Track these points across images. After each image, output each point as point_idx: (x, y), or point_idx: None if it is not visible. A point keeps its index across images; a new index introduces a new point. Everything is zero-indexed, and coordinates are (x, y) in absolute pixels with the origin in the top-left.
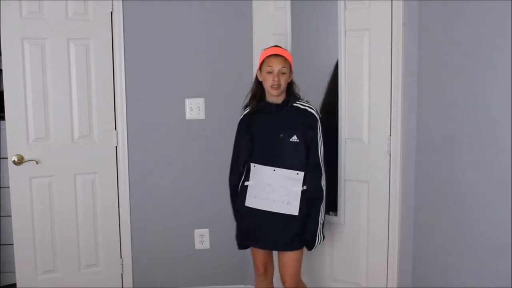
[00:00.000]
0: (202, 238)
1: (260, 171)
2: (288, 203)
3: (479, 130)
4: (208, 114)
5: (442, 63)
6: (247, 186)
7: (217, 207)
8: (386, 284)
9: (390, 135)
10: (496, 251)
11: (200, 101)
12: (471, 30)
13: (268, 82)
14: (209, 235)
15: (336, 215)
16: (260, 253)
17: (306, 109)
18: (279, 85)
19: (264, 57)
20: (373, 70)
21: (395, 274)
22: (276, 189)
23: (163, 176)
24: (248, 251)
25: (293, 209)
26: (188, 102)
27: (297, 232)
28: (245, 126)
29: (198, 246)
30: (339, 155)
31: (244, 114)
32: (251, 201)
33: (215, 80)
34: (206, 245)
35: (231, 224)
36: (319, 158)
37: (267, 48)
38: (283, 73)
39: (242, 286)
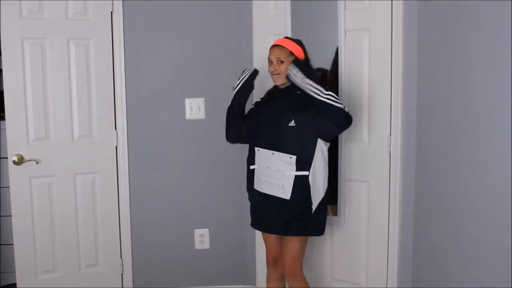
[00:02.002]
0: (202, 238)
1: (262, 154)
2: (282, 187)
3: (479, 130)
4: (208, 114)
5: (442, 63)
6: (253, 170)
7: (217, 207)
8: (386, 284)
9: (390, 135)
10: (496, 251)
11: (200, 101)
12: (471, 30)
13: (269, 72)
14: (209, 235)
15: (336, 214)
16: (269, 239)
17: (303, 94)
18: (278, 73)
19: (269, 50)
20: (373, 70)
21: (395, 274)
22: (273, 172)
23: (163, 176)
24: (248, 251)
25: (286, 193)
26: (188, 102)
27: (291, 218)
28: (256, 107)
29: (198, 246)
30: (339, 155)
31: (261, 98)
32: (256, 184)
33: (215, 80)
34: (206, 245)
35: (231, 224)
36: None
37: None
38: (281, 62)
39: (242, 286)
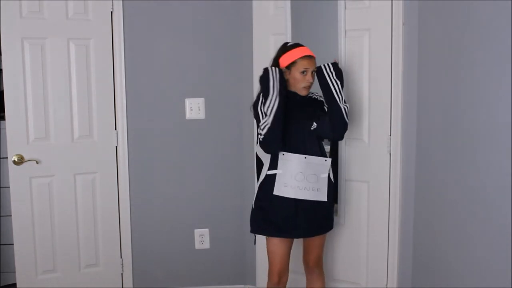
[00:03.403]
0: (202, 238)
1: (290, 158)
2: (318, 190)
3: (479, 130)
4: (208, 114)
5: (442, 63)
6: (274, 175)
7: (217, 207)
8: (386, 284)
9: (390, 135)
10: (496, 251)
11: (200, 101)
12: (471, 30)
13: (302, 83)
14: (209, 235)
15: (336, 215)
16: (281, 252)
17: (316, 99)
18: (310, 86)
19: (296, 58)
20: (373, 70)
21: (395, 274)
22: (307, 177)
23: (163, 176)
24: (248, 251)
25: (322, 195)
26: (188, 102)
27: (324, 217)
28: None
29: (198, 246)
30: (339, 155)
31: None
32: (280, 190)
33: (215, 80)
34: (206, 245)
35: (231, 224)
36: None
37: (294, 48)
38: (313, 73)
39: (242, 286)
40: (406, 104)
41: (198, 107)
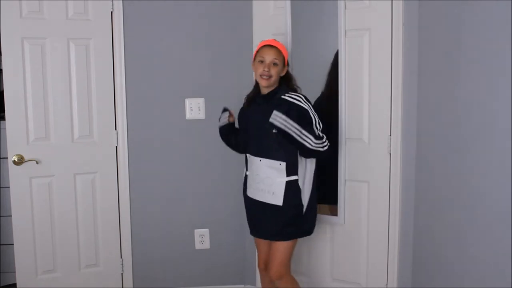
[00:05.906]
0: (202, 238)
1: (252, 161)
2: (273, 193)
3: (479, 130)
4: (208, 114)
5: (442, 63)
6: (246, 176)
7: (217, 207)
8: (386, 284)
9: (390, 135)
10: (496, 251)
11: (200, 101)
12: (471, 30)
13: (259, 71)
14: (209, 235)
15: (336, 214)
16: (261, 245)
17: (294, 102)
18: (269, 76)
19: (257, 49)
20: (373, 70)
21: (395, 274)
22: (264, 179)
23: (163, 176)
24: (248, 251)
25: (278, 199)
26: (188, 102)
27: (285, 224)
28: (239, 117)
29: (198, 246)
30: (339, 155)
31: (243, 104)
32: (248, 190)
33: (215, 80)
34: (206, 245)
35: (231, 224)
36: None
37: (263, 40)
38: (275, 64)
39: (242, 286)
40: (406, 104)
41: (198, 107)
